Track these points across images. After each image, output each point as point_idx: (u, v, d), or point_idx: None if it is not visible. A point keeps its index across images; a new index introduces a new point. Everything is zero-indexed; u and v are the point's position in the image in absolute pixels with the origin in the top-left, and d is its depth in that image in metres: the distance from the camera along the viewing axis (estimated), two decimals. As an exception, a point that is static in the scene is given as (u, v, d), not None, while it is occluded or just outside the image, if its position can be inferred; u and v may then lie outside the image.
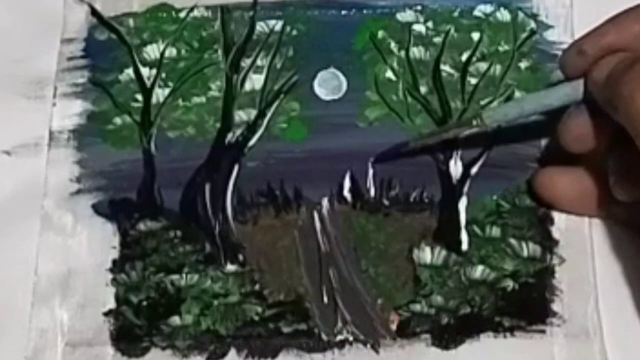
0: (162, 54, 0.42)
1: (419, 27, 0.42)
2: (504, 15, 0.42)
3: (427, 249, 0.38)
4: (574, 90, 0.34)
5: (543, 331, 0.36)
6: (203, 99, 0.41)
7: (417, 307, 0.37)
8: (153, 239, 0.38)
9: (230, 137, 0.40)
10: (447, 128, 0.37)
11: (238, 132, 0.40)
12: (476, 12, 0.42)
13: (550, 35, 0.41)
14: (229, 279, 0.38)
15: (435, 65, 0.41)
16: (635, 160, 0.30)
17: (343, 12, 0.42)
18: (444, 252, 0.38)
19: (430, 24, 0.42)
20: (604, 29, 0.34)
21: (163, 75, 0.41)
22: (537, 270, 0.37)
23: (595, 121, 0.34)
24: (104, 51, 0.42)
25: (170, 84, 0.41)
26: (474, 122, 0.36)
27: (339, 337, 0.37)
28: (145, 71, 0.41)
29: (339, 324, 0.37)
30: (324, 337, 0.37)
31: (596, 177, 0.36)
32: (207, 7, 0.43)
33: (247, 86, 0.41)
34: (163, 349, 0.37)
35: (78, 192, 0.39)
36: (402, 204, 0.39)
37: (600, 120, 0.33)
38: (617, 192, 0.35)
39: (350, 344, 0.36)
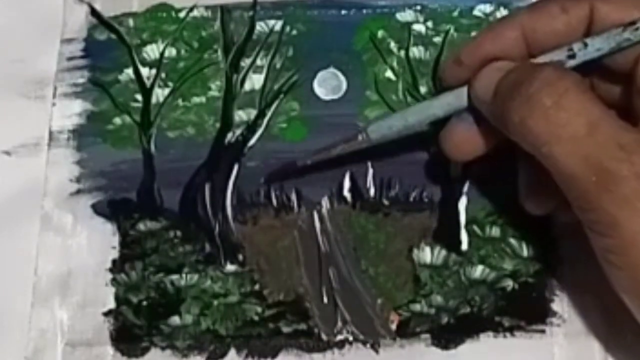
0: (161, 54, 0.42)
1: (419, 27, 0.42)
2: (503, 14, 0.42)
3: (427, 249, 0.38)
4: (458, 98, 0.34)
5: (543, 331, 0.36)
6: (203, 99, 0.41)
7: (417, 307, 0.37)
8: (153, 239, 0.38)
9: (230, 137, 0.40)
10: (334, 144, 0.37)
11: (238, 132, 0.40)
12: (476, 12, 0.42)
13: (550, 34, 0.41)
14: (228, 279, 0.38)
15: (435, 65, 0.41)
16: (542, 173, 0.30)
17: (343, 12, 0.42)
18: (443, 252, 0.38)
19: (430, 23, 0.42)
20: (481, 38, 0.34)
21: (163, 75, 0.41)
22: (537, 270, 0.37)
23: (481, 128, 0.34)
24: (103, 51, 0.42)
25: (170, 84, 0.41)
26: (360, 138, 0.36)
27: (339, 337, 0.37)
28: (145, 71, 0.41)
29: (339, 324, 0.37)
30: (324, 337, 0.37)
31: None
32: (206, 7, 0.43)
33: (247, 86, 0.41)
34: (163, 349, 0.37)
35: (78, 192, 0.39)
36: (401, 203, 0.39)
37: (486, 127, 0.33)
38: (528, 206, 0.35)
39: (350, 343, 0.37)
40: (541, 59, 0.32)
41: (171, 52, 0.42)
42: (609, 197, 0.28)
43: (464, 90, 0.34)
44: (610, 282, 0.31)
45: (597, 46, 0.31)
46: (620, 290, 0.30)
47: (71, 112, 0.41)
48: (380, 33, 0.42)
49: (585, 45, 0.31)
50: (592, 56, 0.31)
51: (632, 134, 0.28)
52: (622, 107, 0.32)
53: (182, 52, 0.42)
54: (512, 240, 0.38)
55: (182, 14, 0.43)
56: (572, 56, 0.32)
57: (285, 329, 0.37)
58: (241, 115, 0.41)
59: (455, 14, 0.42)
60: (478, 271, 0.37)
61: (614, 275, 0.30)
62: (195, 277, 0.38)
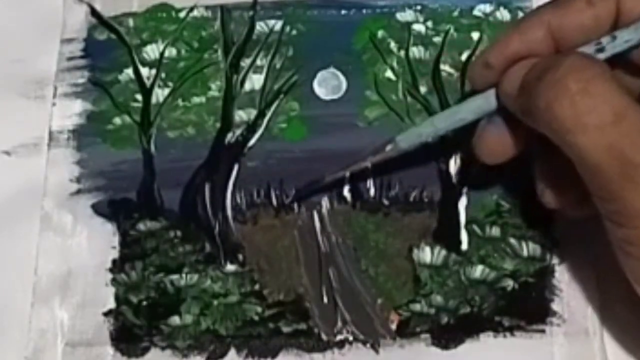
0: (161, 54, 0.42)
1: (419, 27, 0.42)
2: (503, 14, 0.42)
3: (427, 249, 0.38)
4: (486, 101, 0.34)
5: (543, 331, 0.36)
6: (203, 99, 0.41)
7: (417, 307, 0.37)
8: (153, 239, 0.38)
9: (230, 137, 0.40)
10: (362, 157, 0.37)
11: (238, 132, 0.40)
12: (476, 12, 0.42)
13: (549, 34, 0.41)
14: (228, 278, 0.38)
15: (435, 65, 0.41)
16: (562, 166, 0.30)
17: (343, 12, 0.42)
18: (443, 252, 0.38)
19: (429, 23, 0.42)
20: (507, 38, 0.33)
21: (163, 75, 0.41)
22: (537, 270, 0.37)
23: (512, 130, 0.34)
24: (103, 51, 0.42)
25: (170, 84, 0.41)
26: (388, 148, 0.36)
27: (339, 337, 0.37)
28: (144, 71, 0.41)
29: (339, 324, 0.37)
30: (323, 337, 0.37)
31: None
32: (206, 7, 0.43)
33: (247, 86, 0.41)
34: (163, 349, 0.37)
35: (78, 192, 0.39)
36: (401, 203, 0.39)
37: (516, 128, 0.33)
38: (546, 200, 0.35)
39: (350, 343, 0.36)
40: None
41: (171, 52, 0.42)
42: (632, 187, 0.28)
43: (492, 92, 0.33)
44: (626, 273, 0.31)
45: (625, 38, 0.31)
46: (636, 282, 0.30)
47: (71, 112, 0.41)
48: (380, 33, 0.42)
49: (614, 38, 0.31)
50: (622, 48, 0.31)
51: None
52: None
53: (182, 52, 0.42)
54: (512, 240, 0.38)
55: (182, 14, 0.43)
56: (600, 50, 0.31)
57: (285, 329, 0.37)
58: (241, 115, 0.41)
59: (455, 14, 0.42)
60: (478, 271, 0.37)
61: (630, 267, 0.30)
62: (195, 277, 0.38)
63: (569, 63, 0.29)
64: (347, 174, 0.38)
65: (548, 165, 0.34)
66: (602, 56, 0.31)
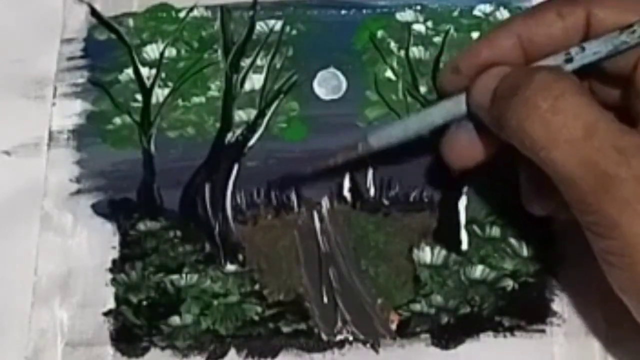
0: (161, 54, 0.42)
1: (419, 27, 0.42)
2: (503, 14, 0.42)
3: (427, 249, 0.38)
4: (456, 105, 0.34)
5: (543, 331, 0.36)
6: (203, 99, 0.41)
7: (417, 307, 0.37)
8: (153, 239, 0.38)
9: (230, 137, 0.40)
10: (334, 154, 0.37)
11: (238, 132, 0.40)
12: (476, 12, 0.42)
13: (549, 34, 0.41)
14: (228, 278, 0.38)
15: (435, 65, 0.41)
16: (544, 176, 0.30)
17: (343, 12, 0.42)
18: (443, 252, 0.38)
19: (430, 23, 0.42)
20: (477, 46, 0.34)
21: (163, 75, 0.41)
22: (537, 270, 0.37)
23: (481, 135, 0.34)
24: (103, 51, 0.42)
25: (170, 84, 0.41)
26: (360, 147, 0.36)
27: (339, 337, 0.37)
28: (145, 71, 0.41)
29: (339, 324, 0.37)
30: (323, 337, 0.37)
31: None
32: (206, 7, 0.43)
33: (247, 86, 0.41)
34: (163, 349, 0.37)
35: (78, 192, 0.39)
36: (401, 203, 0.39)
37: (486, 133, 0.33)
38: (530, 208, 0.35)
39: (350, 343, 0.37)
40: (539, 65, 0.32)
41: (171, 52, 0.42)
42: (609, 199, 0.28)
43: (462, 97, 0.34)
44: (610, 282, 0.31)
45: (594, 50, 0.31)
46: (620, 290, 0.31)
47: (71, 112, 0.41)
48: (380, 33, 0.42)
49: (583, 49, 0.31)
50: (590, 60, 0.31)
51: (630, 137, 0.28)
52: (621, 110, 0.32)
53: (182, 52, 0.42)
54: (512, 240, 0.38)
55: (182, 14, 0.43)
56: (569, 60, 0.32)
57: (285, 329, 0.37)
58: (241, 115, 0.41)
59: (455, 14, 0.42)
60: (478, 271, 0.37)
61: (613, 276, 0.30)
62: (195, 277, 0.38)
63: (538, 80, 0.30)
64: (316, 169, 0.38)
65: (529, 175, 0.34)
66: (570, 67, 0.32)
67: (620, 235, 0.28)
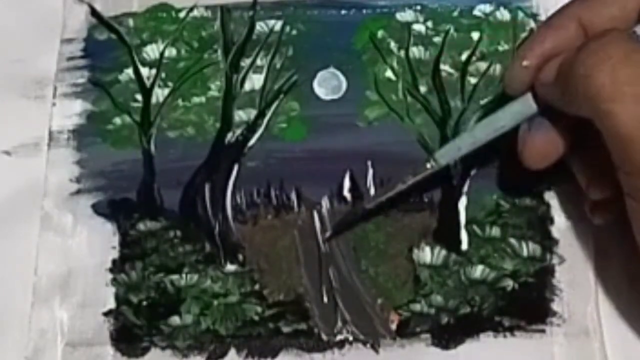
0: (161, 54, 0.42)
1: (419, 27, 0.42)
2: (503, 14, 0.42)
3: (427, 249, 0.38)
4: (525, 105, 0.33)
5: (543, 331, 0.36)
6: (203, 99, 0.41)
7: (417, 307, 0.37)
8: (153, 239, 0.38)
9: (230, 137, 0.40)
10: (403, 179, 0.36)
11: (238, 132, 0.40)
12: (476, 12, 0.42)
13: (550, 34, 0.41)
14: (228, 278, 0.38)
15: (435, 65, 0.41)
16: (603, 157, 0.30)
17: (343, 12, 0.42)
18: (443, 252, 0.38)
19: (430, 23, 0.42)
20: (541, 35, 0.33)
21: (163, 75, 0.41)
22: (537, 270, 0.37)
23: (557, 129, 0.33)
24: (103, 51, 0.42)
25: (170, 84, 0.41)
26: (428, 165, 0.35)
27: (339, 337, 0.37)
28: (145, 71, 0.41)
29: (339, 324, 0.37)
30: (324, 337, 0.37)
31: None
32: (206, 7, 0.43)
33: (247, 86, 0.41)
34: (163, 349, 0.37)
35: (78, 192, 0.39)
36: (401, 203, 0.39)
37: (560, 126, 0.33)
38: (592, 193, 0.34)
39: (350, 343, 0.37)
40: None
41: (171, 52, 0.42)
42: None
43: (529, 95, 0.33)
44: None
45: None
46: None
47: (71, 112, 0.41)
48: (380, 33, 0.42)
49: None
50: None
51: None
52: None
53: (182, 52, 0.42)
54: (512, 240, 0.38)
55: (182, 14, 0.43)
56: (635, 39, 0.31)
57: (285, 329, 0.37)
58: (241, 115, 0.41)
59: (455, 13, 0.42)
60: (478, 271, 0.37)
61: None
62: (195, 277, 0.38)
63: (612, 34, 0.29)
64: (387, 195, 0.37)
65: (589, 160, 0.34)
66: None
67: None
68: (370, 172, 0.39)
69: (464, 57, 0.41)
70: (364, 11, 0.42)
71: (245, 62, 0.42)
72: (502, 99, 0.35)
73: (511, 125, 0.34)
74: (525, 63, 0.33)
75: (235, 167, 0.40)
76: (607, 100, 0.28)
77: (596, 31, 0.32)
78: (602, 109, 0.29)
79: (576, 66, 0.29)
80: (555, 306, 0.37)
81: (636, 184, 0.29)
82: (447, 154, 0.35)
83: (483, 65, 0.41)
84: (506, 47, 0.41)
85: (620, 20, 0.32)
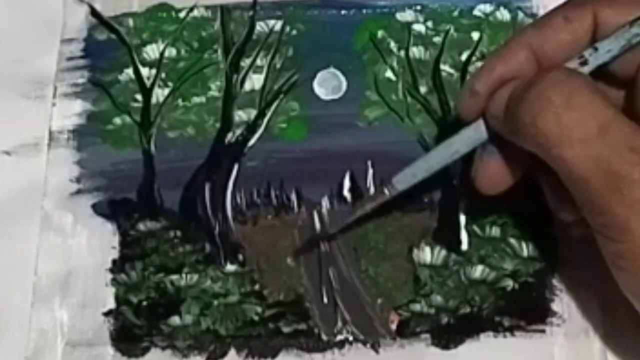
0: (161, 54, 0.42)
1: (419, 27, 0.42)
2: (503, 14, 0.42)
3: (427, 249, 0.38)
4: (477, 131, 0.33)
5: (543, 331, 0.36)
6: (203, 99, 0.41)
7: (417, 307, 0.37)
8: (153, 239, 0.38)
9: (230, 137, 0.40)
10: (362, 203, 0.36)
11: (238, 132, 0.40)
12: (476, 12, 0.42)
13: (550, 34, 0.41)
14: (228, 279, 0.38)
15: (435, 65, 0.41)
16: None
17: (343, 12, 0.42)
18: (443, 252, 0.38)
19: (430, 23, 0.42)
20: (491, 64, 0.33)
21: (163, 75, 0.41)
22: (537, 270, 0.37)
23: (507, 157, 0.33)
24: (103, 51, 0.42)
25: (170, 84, 0.41)
26: (386, 192, 0.35)
27: (339, 337, 0.37)
28: (145, 71, 0.42)
29: (339, 324, 0.37)
30: (324, 337, 0.37)
31: None
32: (206, 7, 0.43)
33: (247, 86, 0.41)
34: (163, 349, 0.37)
35: (78, 192, 0.39)
36: (402, 203, 0.39)
37: (511, 154, 0.33)
38: (562, 216, 0.34)
39: (350, 343, 0.37)
40: None
41: (171, 52, 0.42)
42: (620, 200, 0.28)
43: (481, 121, 0.33)
44: (620, 286, 0.30)
45: (607, 48, 0.31)
46: (630, 294, 0.30)
47: (71, 112, 0.41)
48: (380, 33, 0.42)
49: (596, 49, 0.31)
50: (604, 59, 0.31)
51: None
52: (626, 113, 0.32)
53: (182, 52, 0.42)
54: (512, 240, 0.38)
55: (182, 14, 0.43)
56: (584, 63, 0.31)
57: (285, 329, 0.37)
58: (241, 115, 0.41)
59: (455, 14, 0.42)
60: (478, 271, 0.37)
61: (623, 280, 0.30)
62: (195, 277, 0.38)
63: (552, 76, 0.29)
64: (347, 221, 0.37)
65: (555, 184, 0.34)
66: (586, 69, 0.31)
67: (630, 238, 0.28)
68: (370, 172, 0.39)
69: (464, 57, 0.41)
70: (364, 11, 0.42)
71: (245, 62, 0.42)
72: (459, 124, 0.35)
73: (465, 151, 0.34)
74: (474, 90, 0.33)
75: (235, 167, 0.40)
76: (556, 147, 0.28)
77: (548, 56, 0.32)
78: (552, 155, 0.29)
79: (521, 114, 0.29)
80: (555, 306, 0.37)
81: (599, 221, 0.29)
82: (404, 180, 0.35)
83: (483, 65, 0.41)
84: (506, 47, 0.41)
85: (572, 45, 0.32)
